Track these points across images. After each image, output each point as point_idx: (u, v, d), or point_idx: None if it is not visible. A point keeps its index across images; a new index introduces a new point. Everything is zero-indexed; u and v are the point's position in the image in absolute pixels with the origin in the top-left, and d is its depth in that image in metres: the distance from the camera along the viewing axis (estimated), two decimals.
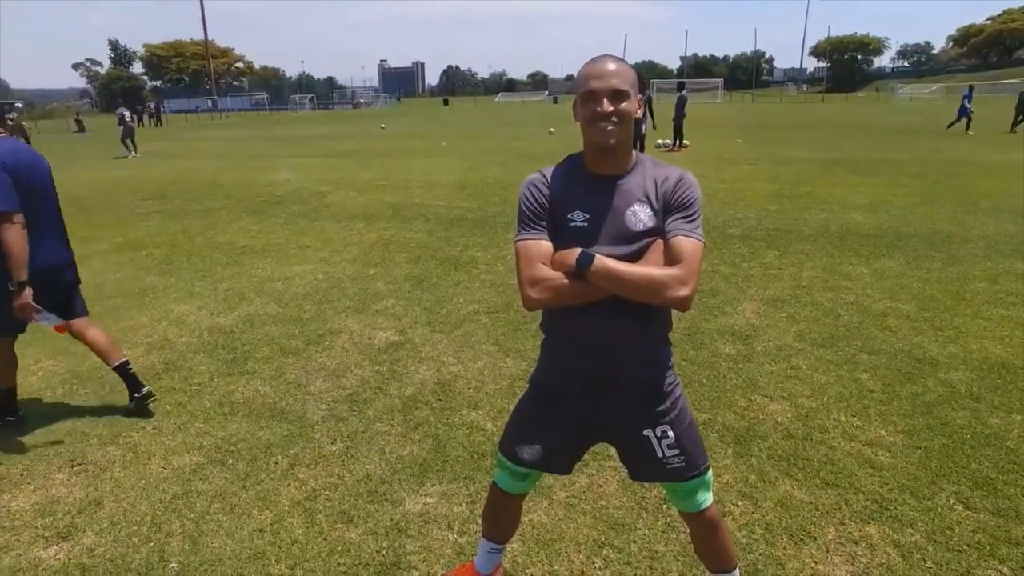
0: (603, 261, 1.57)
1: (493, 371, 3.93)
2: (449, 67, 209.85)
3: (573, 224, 1.67)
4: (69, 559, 2.50)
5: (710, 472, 1.84)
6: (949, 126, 21.76)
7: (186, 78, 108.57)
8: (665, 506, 2.66)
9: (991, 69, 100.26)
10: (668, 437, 1.76)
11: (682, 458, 1.77)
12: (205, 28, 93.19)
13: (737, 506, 2.67)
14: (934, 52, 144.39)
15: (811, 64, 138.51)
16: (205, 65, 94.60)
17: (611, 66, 1.63)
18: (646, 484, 2.79)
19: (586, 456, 2.96)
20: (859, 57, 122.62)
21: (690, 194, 1.66)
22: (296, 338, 4.48)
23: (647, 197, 1.66)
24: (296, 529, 2.61)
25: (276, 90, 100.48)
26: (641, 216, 1.65)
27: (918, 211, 8.33)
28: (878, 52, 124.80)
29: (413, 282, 5.61)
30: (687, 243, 1.60)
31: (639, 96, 1.67)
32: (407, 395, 3.64)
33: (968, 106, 20.97)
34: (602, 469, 2.93)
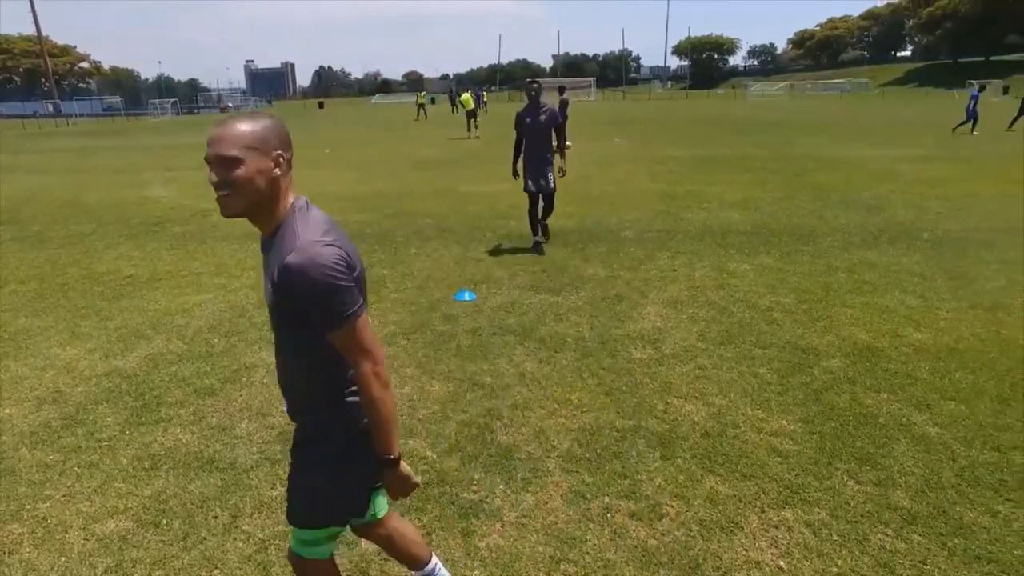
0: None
1: (422, 395, 3.98)
2: (322, 68, 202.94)
3: None
4: None
5: (304, 533, 1.86)
6: (956, 128, 20.71)
7: (17, 79, 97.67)
8: (609, 515, 2.86)
9: (822, 70, 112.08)
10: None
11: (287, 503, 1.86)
12: (37, 22, 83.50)
13: (672, 506, 2.91)
14: (778, 52, 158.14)
15: (674, 62, 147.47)
16: (40, 64, 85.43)
17: (220, 131, 1.53)
18: (586, 496, 2.99)
19: (528, 474, 3.13)
20: (716, 56, 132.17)
21: (299, 290, 1.50)
22: (209, 376, 4.28)
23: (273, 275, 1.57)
24: None
25: (131, 93, 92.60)
26: (270, 290, 1.60)
27: (784, 207, 9.22)
28: (731, 52, 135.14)
29: None
30: (338, 336, 1.55)
31: (276, 152, 1.57)
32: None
33: (976, 108, 19.99)
34: (545, 486, 3.08)
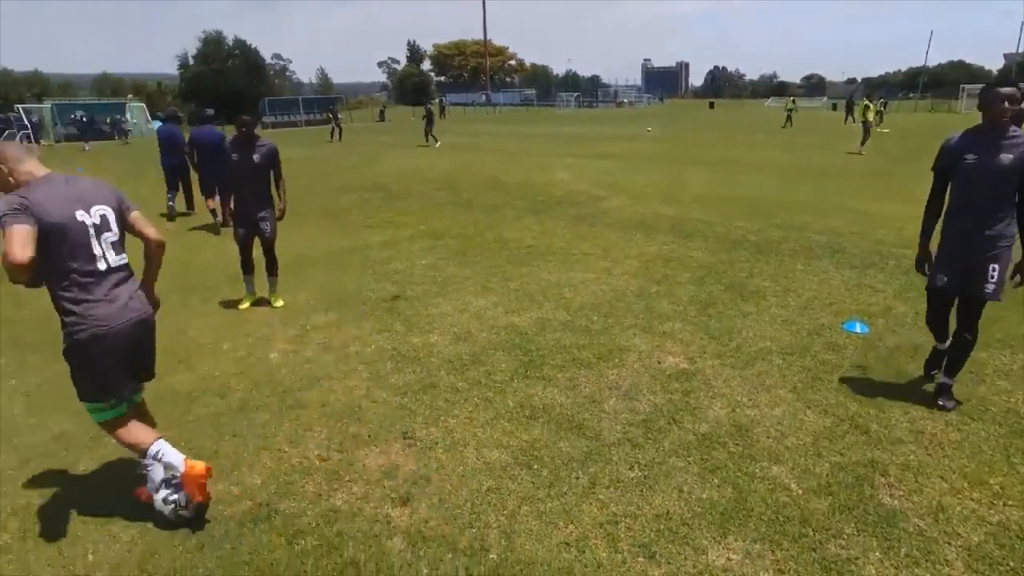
0: None
1: (793, 422, 3.67)
2: (716, 68, 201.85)
3: None
4: (411, 524, 2.90)
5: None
6: None
7: (465, 75, 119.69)
8: None
9: None
10: None
11: None
12: (485, 29, 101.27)
13: None
14: None
15: None
16: (482, 63, 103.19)
17: None
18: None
19: (916, 553, 2.57)
20: None
21: None
22: (587, 350, 4.66)
23: None
24: (600, 551, 2.71)
25: (543, 87, 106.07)
26: None
27: None
28: None
29: (698, 306, 5.50)
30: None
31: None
32: (702, 432, 3.57)
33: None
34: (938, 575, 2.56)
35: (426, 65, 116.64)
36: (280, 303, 5.85)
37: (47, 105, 40.59)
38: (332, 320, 5.45)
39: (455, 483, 3.18)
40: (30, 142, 27.96)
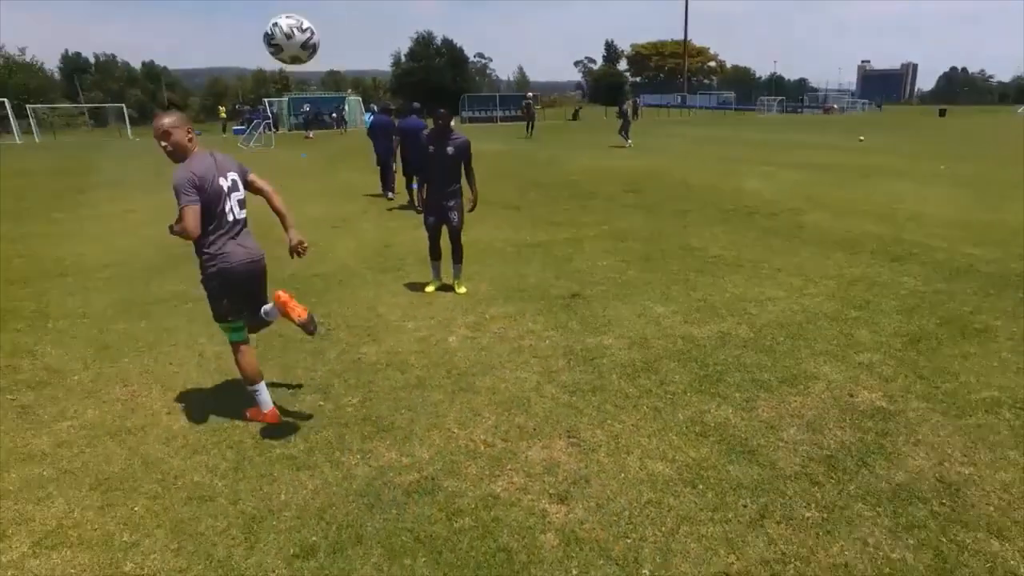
0: None
1: None
2: (952, 69, 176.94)
3: None
4: (566, 522, 2.90)
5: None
6: None
7: (661, 75, 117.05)
8: None
9: None
10: None
11: None
12: (686, 29, 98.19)
13: None
14: None
15: None
16: (680, 64, 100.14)
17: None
18: None
19: None
20: None
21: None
22: (769, 371, 4.34)
23: None
24: None
25: (744, 89, 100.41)
26: None
27: None
28: None
29: (905, 339, 4.86)
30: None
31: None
32: (898, 481, 3.15)
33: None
34: None
35: (622, 65, 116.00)
36: (463, 290, 6.17)
37: (285, 99, 46.89)
38: (510, 312, 5.63)
39: (615, 489, 3.13)
40: (270, 131, 32.34)
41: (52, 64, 75.09)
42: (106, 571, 2.68)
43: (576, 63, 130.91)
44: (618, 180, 14.21)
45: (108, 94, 66.71)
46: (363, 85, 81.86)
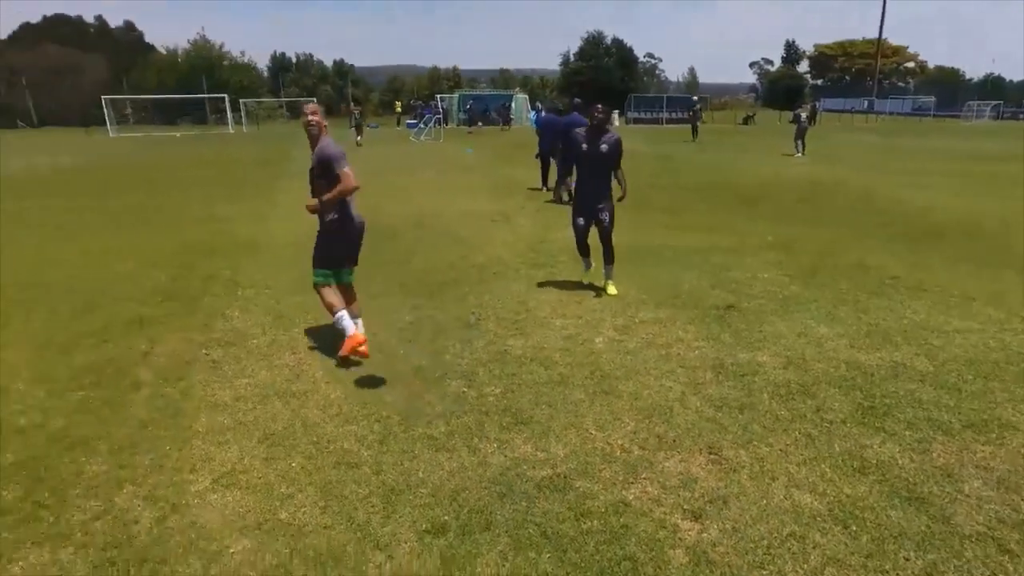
0: None
1: None
2: None
3: None
4: (697, 541, 2.77)
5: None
6: None
7: (847, 77, 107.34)
8: None
9: None
10: None
11: None
12: (881, 28, 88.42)
13: None
14: None
15: None
16: (870, 64, 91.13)
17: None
18: None
19: None
20: None
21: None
22: (950, 412, 3.83)
23: None
24: None
25: (948, 92, 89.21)
26: None
27: None
28: None
29: None
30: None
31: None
32: None
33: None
34: None
35: (803, 67, 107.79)
36: (613, 291, 6.10)
37: (455, 96, 49.42)
38: (660, 317, 5.49)
39: (754, 515, 2.94)
40: (439, 126, 34.17)
41: (263, 63, 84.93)
42: (265, 515, 2.99)
43: (751, 64, 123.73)
44: (788, 188, 13.30)
45: (303, 89, 74.40)
46: (531, 84, 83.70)
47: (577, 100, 11.74)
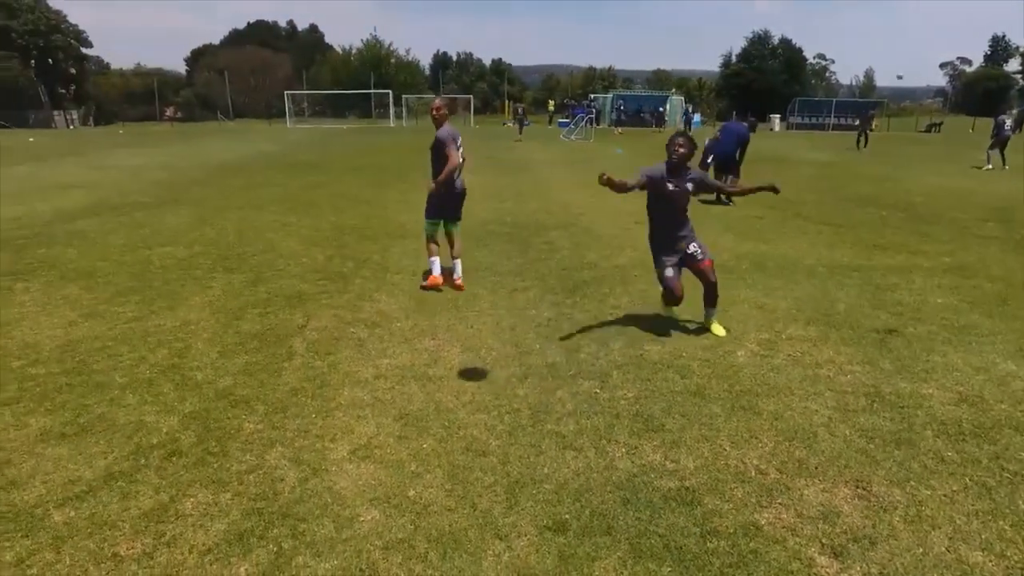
0: None
1: None
2: None
3: None
4: None
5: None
6: None
7: None
8: None
9: None
10: None
11: None
12: None
13: None
14: None
15: None
16: None
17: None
18: None
19: None
20: None
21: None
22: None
23: None
24: None
25: None
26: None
27: None
28: None
29: None
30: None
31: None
32: None
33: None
34: None
35: (1012, 66, 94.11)
36: (722, 332, 5.11)
37: (608, 96, 49.04)
38: (810, 335, 5.10)
39: (908, 563, 2.64)
40: (591, 125, 34.11)
41: (426, 61, 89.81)
42: (395, 490, 3.14)
43: (942, 65, 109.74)
44: (975, 205, 11.79)
45: (461, 86, 77.61)
46: (687, 85, 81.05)
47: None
